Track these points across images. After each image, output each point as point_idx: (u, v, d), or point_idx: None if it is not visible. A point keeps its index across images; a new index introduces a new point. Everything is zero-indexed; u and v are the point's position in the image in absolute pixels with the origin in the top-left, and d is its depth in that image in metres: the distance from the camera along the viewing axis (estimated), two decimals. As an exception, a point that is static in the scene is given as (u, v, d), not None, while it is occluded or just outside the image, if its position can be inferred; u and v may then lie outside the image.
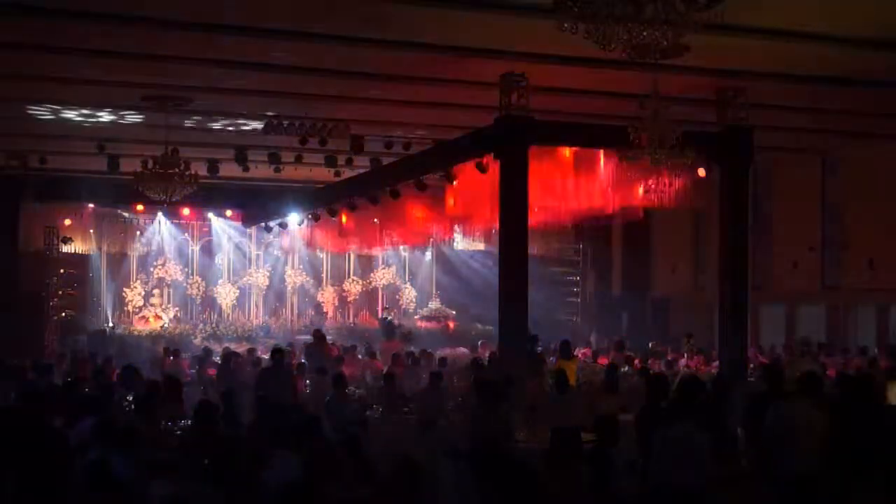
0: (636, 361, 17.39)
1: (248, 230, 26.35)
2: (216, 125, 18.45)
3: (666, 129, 11.83)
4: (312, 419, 8.86)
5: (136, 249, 25.65)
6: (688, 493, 7.13)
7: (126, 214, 25.25)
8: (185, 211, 24.60)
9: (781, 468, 7.88)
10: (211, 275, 26.20)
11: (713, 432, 7.72)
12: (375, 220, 22.65)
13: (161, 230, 25.67)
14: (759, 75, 14.36)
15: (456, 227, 20.04)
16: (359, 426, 11.32)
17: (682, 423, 7.38)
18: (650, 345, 20.72)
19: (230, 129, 18.67)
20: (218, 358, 18.07)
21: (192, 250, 26.17)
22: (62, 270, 24.24)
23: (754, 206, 19.18)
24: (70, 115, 17.42)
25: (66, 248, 24.45)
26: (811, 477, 7.78)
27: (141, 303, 25.11)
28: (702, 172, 15.74)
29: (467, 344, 21.98)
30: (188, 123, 18.02)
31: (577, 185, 16.11)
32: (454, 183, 16.98)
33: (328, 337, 19.50)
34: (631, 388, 13.72)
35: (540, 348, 16.88)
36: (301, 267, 26.86)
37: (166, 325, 24.57)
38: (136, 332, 23.84)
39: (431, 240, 24.50)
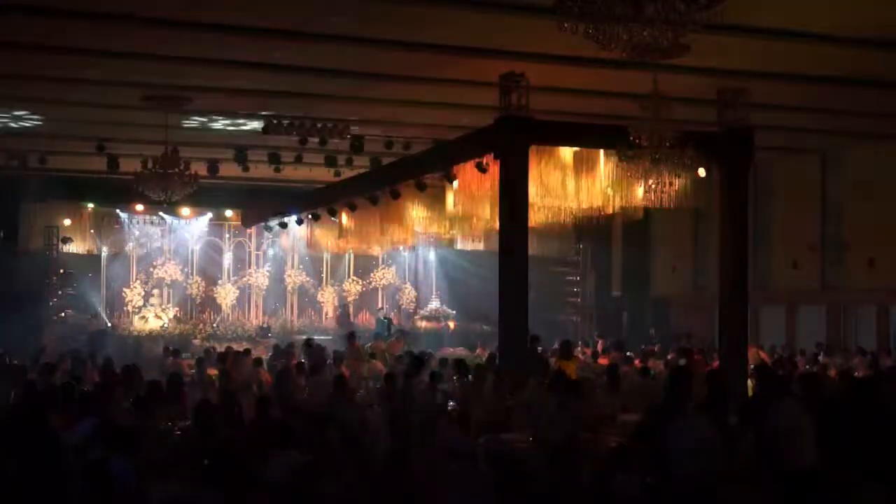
0: (636, 361, 17.35)
1: (248, 230, 26.35)
2: (216, 125, 18.46)
3: (666, 129, 11.82)
4: (313, 419, 8.85)
5: (135, 249, 25.66)
6: (697, 485, 7.13)
7: (126, 214, 25.28)
8: (185, 211, 24.60)
9: (780, 468, 7.87)
10: (211, 275, 26.20)
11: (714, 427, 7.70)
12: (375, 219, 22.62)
13: (161, 230, 25.67)
14: (759, 75, 14.35)
15: (455, 227, 20.01)
16: (359, 426, 11.29)
17: (688, 418, 7.41)
18: (643, 346, 20.66)
19: (230, 129, 18.67)
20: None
21: (192, 250, 26.17)
22: (62, 270, 24.26)
23: (754, 206, 19.16)
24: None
25: (66, 248, 24.47)
26: (810, 477, 7.78)
27: (141, 303, 25.12)
28: (702, 172, 15.72)
29: (467, 344, 21.97)
30: (188, 123, 18.03)
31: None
32: (454, 183, 16.97)
33: (327, 337, 19.46)
34: (631, 388, 13.69)
35: (540, 348, 16.86)
36: (301, 267, 26.88)
37: (166, 325, 24.57)
38: (136, 332, 23.84)
39: (432, 240, 24.48)
